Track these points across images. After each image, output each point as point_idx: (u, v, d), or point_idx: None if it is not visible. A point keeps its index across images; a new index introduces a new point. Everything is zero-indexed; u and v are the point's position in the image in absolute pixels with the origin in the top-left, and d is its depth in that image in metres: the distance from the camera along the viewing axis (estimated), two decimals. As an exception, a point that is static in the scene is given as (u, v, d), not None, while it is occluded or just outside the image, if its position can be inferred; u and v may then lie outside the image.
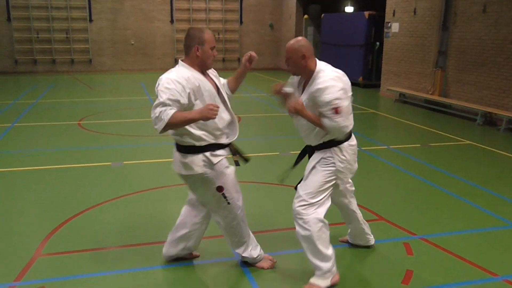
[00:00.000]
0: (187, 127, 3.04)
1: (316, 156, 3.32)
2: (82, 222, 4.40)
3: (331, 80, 3.09)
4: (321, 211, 3.23)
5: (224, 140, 3.25)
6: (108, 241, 4.02)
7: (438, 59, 10.70)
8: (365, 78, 14.17)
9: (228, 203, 3.27)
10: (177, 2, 18.01)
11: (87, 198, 4.98)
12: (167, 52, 18.32)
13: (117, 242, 4.00)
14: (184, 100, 2.98)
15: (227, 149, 3.29)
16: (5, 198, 5.00)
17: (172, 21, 18.09)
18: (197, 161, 3.12)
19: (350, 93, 3.20)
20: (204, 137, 3.12)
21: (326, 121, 3.11)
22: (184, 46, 3.14)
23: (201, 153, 3.13)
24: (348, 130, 3.22)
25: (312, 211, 3.20)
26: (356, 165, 3.44)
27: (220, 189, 3.21)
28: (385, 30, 12.68)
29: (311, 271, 3.31)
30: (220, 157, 3.21)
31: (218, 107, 2.96)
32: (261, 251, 3.61)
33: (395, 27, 12.22)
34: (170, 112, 2.90)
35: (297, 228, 3.24)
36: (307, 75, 3.22)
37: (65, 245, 3.94)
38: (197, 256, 3.74)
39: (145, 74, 17.32)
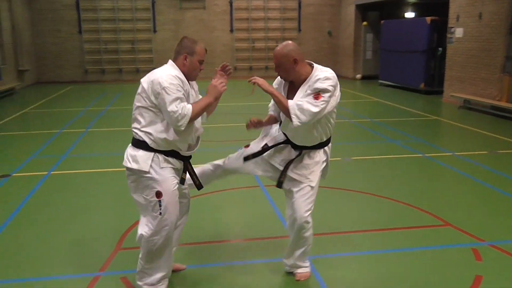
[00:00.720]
0: (154, 134, 2.99)
1: (310, 156, 3.37)
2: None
3: (331, 75, 3.15)
4: None
5: (184, 152, 3.14)
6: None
7: (506, 64, 10.34)
8: (427, 84, 13.89)
9: (160, 213, 3.04)
10: (237, 12, 18.43)
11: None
12: (226, 61, 18.68)
13: (187, 240, 4.23)
14: (183, 91, 3.01)
15: (181, 162, 3.16)
16: (84, 196, 5.37)
17: (231, 31, 18.53)
18: (146, 158, 3.02)
19: (338, 95, 3.22)
20: (164, 145, 3.03)
21: (298, 102, 3.08)
22: (174, 52, 3.11)
23: (155, 152, 3.04)
24: (308, 123, 3.12)
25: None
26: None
27: (158, 194, 3.03)
28: (448, 35, 12.40)
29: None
30: (171, 165, 3.08)
31: (223, 81, 3.13)
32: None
33: (459, 32, 11.94)
34: (189, 106, 2.97)
35: (306, 233, 3.37)
36: (301, 79, 3.19)
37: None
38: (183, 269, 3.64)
39: (205, 82, 17.69)
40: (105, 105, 12.31)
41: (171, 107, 2.89)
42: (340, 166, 6.57)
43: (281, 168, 3.41)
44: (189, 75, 3.10)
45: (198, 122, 3.17)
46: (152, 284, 3.18)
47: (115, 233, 4.31)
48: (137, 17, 18.00)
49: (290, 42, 3.24)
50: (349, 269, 3.74)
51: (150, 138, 3.01)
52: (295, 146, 3.38)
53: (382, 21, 16.00)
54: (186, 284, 3.48)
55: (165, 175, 3.03)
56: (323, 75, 3.11)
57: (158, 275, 3.18)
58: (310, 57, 19.18)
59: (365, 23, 17.50)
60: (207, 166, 3.72)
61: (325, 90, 3.07)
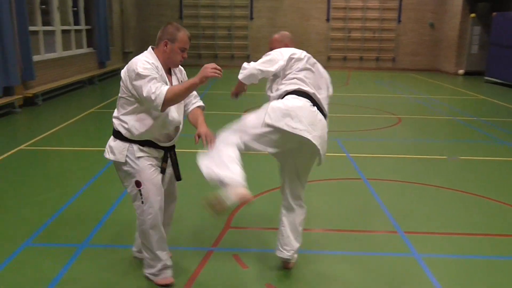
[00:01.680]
0: (130, 124, 2.99)
1: None
2: (259, 204, 4.79)
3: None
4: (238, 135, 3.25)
5: (162, 142, 3.11)
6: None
7: None
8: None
9: (142, 202, 3.04)
10: (334, 1, 18.16)
11: (261, 182, 5.39)
12: (320, 50, 18.59)
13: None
14: (158, 76, 2.92)
15: (160, 151, 3.13)
16: (190, 176, 5.62)
17: (328, 20, 18.31)
18: (122, 149, 3.03)
19: (297, 64, 3.35)
20: (139, 134, 3.01)
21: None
22: (157, 38, 3.04)
23: (130, 143, 3.03)
24: (247, 68, 3.35)
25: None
26: (300, 126, 3.14)
27: (138, 184, 3.03)
28: None
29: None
30: (147, 154, 3.06)
31: (218, 68, 2.84)
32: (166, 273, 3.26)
33: None
34: (164, 87, 2.84)
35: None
36: None
37: (250, 221, 4.37)
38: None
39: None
40: (203, 89, 12.75)
41: (147, 88, 2.82)
42: (445, 164, 6.33)
43: None
44: (169, 62, 3.05)
45: (175, 112, 3.08)
46: (154, 274, 3.24)
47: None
48: (235, 4, 18.34)
49: (285, 32, 3.57)
50: (462, 271, 3.62)
51: (125, 127, 3.02)
52: None
53: (493, 13, 14.99)
54: (268, 267, 3.54)
55: (141, 164, 3.02)
56: None
57: (158, 265, 3.20)
58: (408, 49, 18.55)
59: (473, 15, 16.49)
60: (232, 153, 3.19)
61: (265, 55, 3.39)
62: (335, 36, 18.48)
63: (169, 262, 3.25)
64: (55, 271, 3.38)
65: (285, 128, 3.05)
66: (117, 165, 3.09)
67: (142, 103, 2.95)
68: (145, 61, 2.92)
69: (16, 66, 9.00)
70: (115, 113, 3.10)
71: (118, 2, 16.38)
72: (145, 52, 3.04)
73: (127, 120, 3.01)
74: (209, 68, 2.82)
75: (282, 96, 3.26)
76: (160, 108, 2.83)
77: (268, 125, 3.08)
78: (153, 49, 3.06)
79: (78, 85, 12.27)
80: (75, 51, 12.91)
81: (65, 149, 6.60)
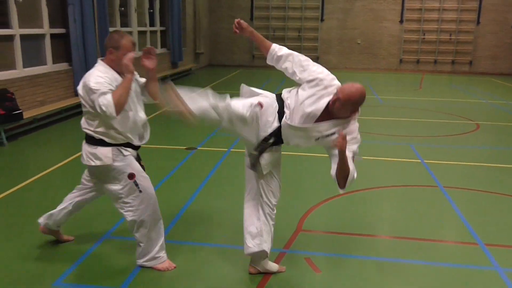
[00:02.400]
0: (107, 130, 3.14)
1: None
2: (330, 208, 4.72)
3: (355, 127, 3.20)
4: None
5: (136, 142, 3.31)
6: (358, 228, 4.24)
7: None
8: None
9: (140, 191, 3.23)
10: (409, 2, 17.60)
11: (333, 186, 5.28)
12: (392, 53, 18.11)
13: (371, 231, 4.19)
14: (111, 87, 3.07)
15: (135, 151, 3.34)
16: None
17: (401, 21, 17.78)
18: (106, 152, 3.16)
19: None
20: (119, 138, 3.19)
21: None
22: (104, 46, 3.20)
23: (111, 146, 3.18)
24: None
25: None
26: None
27: (131, 176, 3.21)
28: None
29: None
30: (129, 153, 3.26)
31: (131, 54, 3.06)
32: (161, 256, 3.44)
33: None
34: (108, 95, 2.99)
35: None
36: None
37: (321, 225, 4.31)
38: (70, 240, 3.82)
39: (369, 73, 17.44)
40: (273, 90, 12.75)
41: (98, 102, 2.98)
42: (531, 174, 5.93)
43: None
44: (118, 69, 3.17)
45: (140, 111, 3.31)
46: (153, 258, 3.38)
47: (295, 215, 4.45)
48: (306, 6, 18.27)
49: (362, 89, 3.02)
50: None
51: (107, 136, 3.17)
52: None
53: None
54: (341, 272, 3.45)
55: (129, 159, 3.24)
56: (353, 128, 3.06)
57: (156, 247, 3.37)
58: (487, 52, 17.66)
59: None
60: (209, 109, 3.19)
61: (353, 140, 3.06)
62: (409, 38, 17.92)
63: (163, 245, 3.44)
64: (133, 265, 3.50)
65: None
66: (104, 169, 3.21)
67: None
68: (97, 75, 3.08)
69: (96, 66, 9.44)
70: (87, 126, 3.24)
71: (191, 4, 16.83)
72: (96, 65, 3.21)
73: (104, 131, 3.16)
74: (125, 59, 3.05)
75: None
76: (114, 114, 3.00)
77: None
78: (103, 60, 3.21)
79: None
80: (150, 52, 13.37)
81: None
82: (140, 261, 3.42)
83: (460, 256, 3.83)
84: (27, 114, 7.30)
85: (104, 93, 3.00)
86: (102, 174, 3.26)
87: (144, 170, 3.39)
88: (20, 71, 7.70)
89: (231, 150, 6.70)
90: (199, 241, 3.92)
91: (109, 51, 3.15)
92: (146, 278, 3.34)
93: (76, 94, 9.10)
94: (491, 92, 13.14)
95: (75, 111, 8.90)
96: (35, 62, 8.24)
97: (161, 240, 3.42)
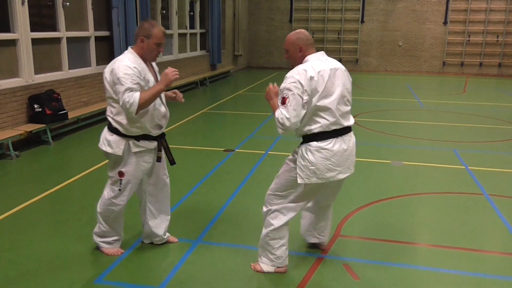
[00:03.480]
0: (124, 123, 3.26)
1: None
2: (369, 214, 4.63)
3: (293, 71, 3.07)
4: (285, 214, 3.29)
5: (154, 132, 3.39)
6: (397, 235, 4.14)
7: None
8: None
9: (119, 190, 3.43)
10: (454, 3, 17.13)
11: (372, 191, 5.21)
12: (435, 55, 17.66)
13: (410, 238, 4.09)
14: (142, 83, 3.20)
15: (154, 142, 3.43)
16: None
17: (445, 23, 17.32)
18: (120, 143, 3.31)
19: (319, 87, 3.02)
20: (136, 131, 3.31)
21: (277, 111, 3.08)
22: (134, 35, 3.29)
23: (126, 138, 3.31)
24: (292, 126, 3.04)
25: (280, 204, 3.29)
26: (330, 174, 3.14)
27: (121, 174, 3.38)
28: None
29: None
30: (142, 148, 3.36)
31: (176, 70, 3.18)
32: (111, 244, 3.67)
33: None
34: (136, 94, 3.10)
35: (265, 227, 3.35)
36: None
37: (360, 231, 4.24)
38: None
39: (410, 76, 17.07)
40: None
41: (123, 97, 3.11)
42: None
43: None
44: (147, 57, 3.29)
45: (161, 105, 3.40)
46: (108, 243, 3.65)
47: (333, 220, 4.38)
48: (346, 7, 18.07)
49: (302, 30, 3.26)
50: None
51: (122, 126, 3.29)
52: None
53: None
54: (380, 279, 3.36)
55: (132, 160, 3.36)
56: (287, 75, 3.10)
57: (114, 237, 3.65)
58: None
59: None
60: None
61: (285, 89, 3.05)
62: (453, 40, 17.43)
63: (121, 238, 3.71)
64: (171, 265, 3.54)
65: (319, 181, 3.15)
66: (110, 155, 3.42)
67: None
68: (127, 66, 3.16)
69: (138, 67, 9.64)
70: (108, 112, 3.39)
71: (231, 7, 16.94)
72: (126, 52, 3.29)
73: (120, 119, 3.29)
74: (170, 73, 3.19)
75: (307, 138, 3.17)
76: (134, 114, 3.16)
77: (302, 183, 3.19)
78: (133, 48, 3.31)
79: (190, 86, 12.87)
80: (189, 54, 13.58)
81: (179, 147, 6.91)
82: (97, 239, 3.70)
83: (506, 268, 3.67)
84: (72, 114, 7.53)
85: (131, 89, 3.13)
86: (108, 157, 3.48)
87: (160, 160, 3.53)
88: (65, 73, 7.95)
89: (269, 152, 6.69)
90: (236, 243, 3.92)
91: (140, 39, 3.24)
92: (184, 278, 3.37)
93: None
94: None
95: (117, 111, 9.10)
96: (80, 63, 8.49)
97: (119, 234, 3.70)
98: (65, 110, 7.24)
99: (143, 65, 3.28)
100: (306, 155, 3.13)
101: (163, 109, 3.46)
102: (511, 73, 17.21)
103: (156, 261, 3.62)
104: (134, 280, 3.36)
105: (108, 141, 3.39)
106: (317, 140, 3.12)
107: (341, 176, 3.20)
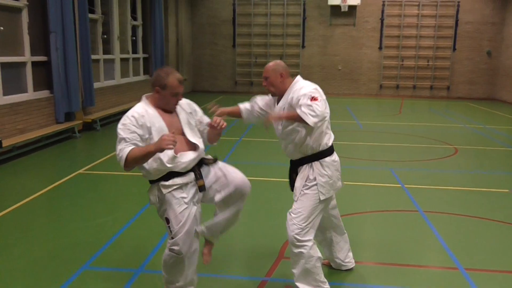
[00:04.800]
0: (149, 168, 3.02)
1: (301, 177, 3.38)
2: (313, 234, 4.72)
3: (306, 84, 3.30)
4: (312, 232, 3.34)
5: (180, 168, 3.07)
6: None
7: None
8: None
9: (172, 237, 3.07)
10: (387, 29, 18.03)
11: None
12: (372, 78, 18.44)
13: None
14: (141, 132, 2.98)
15: (185, 177, 3.09)
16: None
17: (380, 48, 18.18)
18: (153, 191, 3.13)
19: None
20: (154, 175, 3.07)
21: (302, 108, 3.10)
22: (150, 84, 3.13)
23: (156, 182, 3.11)
24: (321, 122, 3.15)
25: (307, 234, 3.30)
26: (340, 183, 3.48)
27: (167, 221, 3.09)
28: None
29: None
30: (172, 187, 3.06)
31: (174, 137, 2.79)
32: None
33: None
34: (127, 149, 2.92)
35: (296, 250, 3.32)
36: (283, 92, 3.37)
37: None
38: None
39: (350, 98, 17.70)
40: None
41: (116, 148, 2.98)
42: (506, 198, 6.03)
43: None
44: (165, 107, 3.11)
45: (184, 156, 3.08)
46: None
47: (278, 241, 4.44)
48: (287, 33, 18.57)
49: (280, 61, 3.49)
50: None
51: (144, 171, 3.08)
52: (293, 166, 3.54)
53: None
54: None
55: (167, 200, 3.06)
56: (299, 87, 3.28)
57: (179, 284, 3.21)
58: (464, 77, 18.10)
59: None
60: None
61: (309, 93, 3.18)
62: (388, 64, 18.30)
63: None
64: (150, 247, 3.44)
65: (333, 193, 3.44)
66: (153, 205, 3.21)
67: None
68: (127, 116, 3.01)
69: (78, 93, 9.44)
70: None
71: (174, 32, 16.99)
72: (141, 102, 3.12)
73: (141, 166, 3.06)
74: (166, 140, 2.78)
75: (317, 155, 3.35)
76: (124, 168, 2.98)
77: (323, 200, 3.35)
78: (148, 97, 3.14)
79: (134, 111, 12.69)
80: (132, 78, 13.44)
81: (121, 174, 6.79)
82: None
83: (441, 281, 3.85)
84: (6, 143, 7.23)
85: (124, 140, 2.96)
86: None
87: (203, 189, 3.17)
88: (0, 99, 7.65)
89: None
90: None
91: (156, 90, 3.06)
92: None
93: (57, 122, 9.05)
94: (468, 117, 13.43)
95: (56, 138, 8.84)
96: (16, 89, 8.19)
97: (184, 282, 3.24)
98: (-1, 138, 6.94)
99: (156, 113, 3.06)
100: (324, 171, 3.33)
101: (188, 157, 3.11)
102: (442, 95, 18.25)
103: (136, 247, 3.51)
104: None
105: (148, 192, 3.20)
106: (328, 155, 3.37)
107: (341, 184, 3.53)
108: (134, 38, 13.77)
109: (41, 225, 4.98)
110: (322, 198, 3.31)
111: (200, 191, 3.17)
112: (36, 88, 8.68)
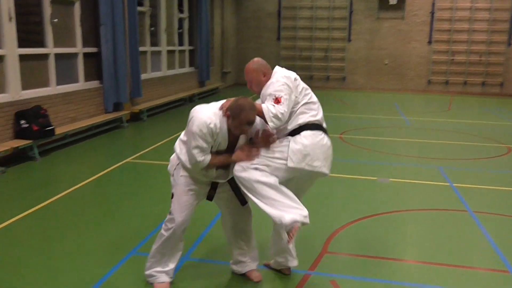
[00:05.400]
0: (186, 161, 3.23)
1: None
2: (355, 230, 4.67)
3: (277, 78, 3.25)
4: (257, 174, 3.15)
5: (204, 180, 3.32)
6: (384, 251, 4.17)
7: None
8: None
9: (170, 212, 3.34)
10: (438, 23, 17.48)
11: (359, 208, 5.25)
12: (421, 74, 17.95)
13: (396, 255, 4.12)
14: (212, 142, 3.13)
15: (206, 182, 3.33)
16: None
17: (430, 42, 17.65)
18: (174, 163, 3.38)
19: (299, 87, 3.30)
20: (189, 171, 3.29)
21: (264, 108, 3.11)
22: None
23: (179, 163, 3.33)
24: (282, 118, 3.12)
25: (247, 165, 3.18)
26: (319, 164, 3.23)
27: (172, 195, 3.37)
28: None
29: None
30: (190, 175, 3.30)
31: (257, 153, 3.13)
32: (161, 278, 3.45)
33: None
34: (207, 158, 3.13)
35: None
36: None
37: (347, 247, 4.26)
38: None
39: (397, 94, 17.31)
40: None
41: (193, 152, 3.11)
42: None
43: None
44: (232, 131, 3.18)
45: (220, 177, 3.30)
46: (159, 272, 3.43)
47: (320, 237, 4.42)
48: (333, 26, 18.33)
49: (258, 58, 3.43)
50: None
51: (182, 157, 3.27)
52: None
53: None
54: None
55: (180, 181, 3.31)
56: (269, 82, 3.27)
57: (166, 267, 3.42)
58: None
59: None
60: None
61: (278, 91, 3.17)
62: (438, 59, 17.75)
63: (170, 272, 3.45)
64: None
65: (307, 168, 3.21)
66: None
67: None
68: (204, 123, 3.06)
69: (126, 84, 9.68)
70: (178, 143, 3.36)
71: (219, 24, 17.10)
72: (213, 109, 3.16)
73: (183, 156, 3.27)
74: (247, 157, 3.14)
75: (296, 131, 3.25)
76: (199, 169, 3.20)
77: (291, 168, 3.19)
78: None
79: (179, 103, 12.90)
80: (178, 70, 13.64)
81: (167, 164, 6.91)
82: (147, 271, 3.48)
83: (490, 284, 3.72)
84: (59, 130, 7.50)
85: (202, 150, 3.11)
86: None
87: (210, 199, 3.40)
88: (53, 89, 7.94)
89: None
90: (225, 260, 3.91)
91: (227, 114, 3.11)
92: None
93: (105, 111, 9.31)
94: (523, 115, 12.86)
95: (105, 128, 9.11)
96: (68, 80, 8.48)
97: (171, 266, 3.45)
98: (52, 126, 7.21)
99: (224, 130, 3.14)
100: (300, 140, 3.20)
101: (221, 176, 3.33)
102: (494, 92, 17.53)
103: (144, 276, 3.59)
104: None
105: (170, 160, 3.46)
106: (309, 129, 3.25)
107: (325, 170, 3.31)
108: (180, 30, 13.96)
109: (91, 211, 5.15)
110: (290, 164, 3.16)
111: (206, 198, 3.41)
112: (87, 78, 8.96)
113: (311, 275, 3.69)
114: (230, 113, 3.09)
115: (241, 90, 17.33)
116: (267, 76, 3.33)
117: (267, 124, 3.16)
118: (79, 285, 3.49)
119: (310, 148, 3.19)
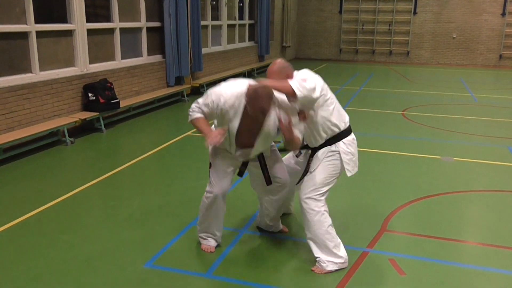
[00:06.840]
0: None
1: (321, 152, 3.37)
2: (420, 209, 4.55)
3: (299, 72, 3.28)
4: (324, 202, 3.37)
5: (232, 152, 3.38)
6: (446, 232, 4.05)
7: None
8: None
9: (209, 182, 3.49)
10: (513, -7, 16.36)
11: (421, 186, 5.11)
12: (492, 48, 16.96)
13: (460, 236, 3.99)
14: (213, 111, 3.22)
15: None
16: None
17: (503, 14, 16.58)
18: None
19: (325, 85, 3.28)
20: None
21: (291, 82, 3.10)
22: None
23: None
24: (310, 89, 3.11)
25: (319, 204, 3.33)
26: (358, 164, 3.48)
27: (210, 165, 3.51)
28: None
29: None
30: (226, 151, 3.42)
31: (221, 135, 3.08)
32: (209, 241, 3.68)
33: None
34: (196, 115, 3.26)
35: (309, 216, 3.36)
36: None
37: (407, 226, 4.17)
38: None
39: (464, 69, 16.49)
40: (359, 85, 12.53)
41: (195, 102, 3.29)
42: None
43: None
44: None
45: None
46: (201, 238, 3.69)
47: (380, 215, 4.35)
48: (398, -2, 17.63)
49: (280, 59, 3.37)
50: None
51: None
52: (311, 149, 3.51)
53: None
54: (426, 276, 3.29)
55: (216, 152, 3.47)
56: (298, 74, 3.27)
57: (212, 232, 3.63)
58: None
59: None
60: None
61: (304, 76, 3.19)
62: (510, 32, 16.67)
63: (218, 239, 3.68)
64: (219, 252, 3.62)
65: (356, 170, 3.46)
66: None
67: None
68: (217, 95, 3.18)
69: (187, 58, 9.82)
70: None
71: (280, -2, 16.89)
72: (242, 85, 3.16)
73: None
74: (212, 138, 3.09)
75: (336, 138, 3.36)
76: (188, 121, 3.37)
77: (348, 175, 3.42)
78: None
79: (239, 77, 12.94)
80: (238, 45, 13.65)
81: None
82: (198, 234, 3.72)
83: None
84: (123, 103, 7.77)
85: (199, 108, 3.27)
86: None
87: (240, 175, 3.54)
88: (118, 62, 8.20)
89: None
90: (279, 234, 3.94)
91: (245, 103, 3.03)
92: (232, 265, 3.44)
93: (167, 85, 9.52)
94: None
95: (167, 101, 9.34)
96: (132, 54, 8.72)
97: (217, 234, 3.65)
98: (117, 99, 7.47)
99: (240, 108, 3.09)
100: (348, 149, 3.37)
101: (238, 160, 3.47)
102: None
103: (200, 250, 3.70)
104: (183, 265, 3.45)
105: None
106: (347, 135, 3.40)
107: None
108: (241, 4, 13.91)
109: (154, 181, 5.34)
110: (349, 174, 3.38)
111: (238, 174, 3.56)
112: (150, 52, 9.17)
113: (370, 252, 3.65)
114: (247, 102, 3.01)
115: (301, 64, 17.13)
116: (290, 78, 3.25)
117: (293, 99, 3.13)
118: (143, 253, 3.64)
119: (355, 153, 3.44)
